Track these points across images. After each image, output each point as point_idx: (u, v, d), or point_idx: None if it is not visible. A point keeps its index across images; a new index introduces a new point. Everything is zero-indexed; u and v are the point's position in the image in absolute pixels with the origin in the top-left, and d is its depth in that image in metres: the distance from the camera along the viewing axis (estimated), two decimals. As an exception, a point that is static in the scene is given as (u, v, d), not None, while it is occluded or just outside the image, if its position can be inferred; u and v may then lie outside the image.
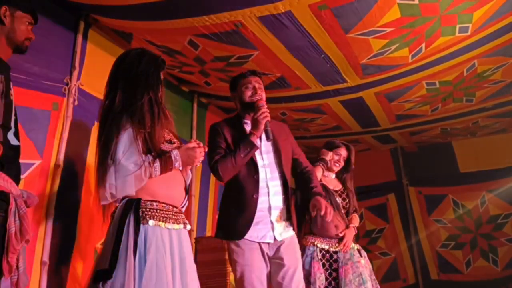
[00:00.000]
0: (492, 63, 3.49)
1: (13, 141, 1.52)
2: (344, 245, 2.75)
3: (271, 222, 2.14)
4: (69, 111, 2.69)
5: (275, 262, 2.14)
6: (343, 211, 2.88)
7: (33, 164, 2.43)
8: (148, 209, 1.54)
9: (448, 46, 3.12)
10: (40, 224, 2.44)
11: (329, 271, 2.70)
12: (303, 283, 2.15)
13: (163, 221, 1.54)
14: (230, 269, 3.16)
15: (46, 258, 2.42)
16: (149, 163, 1.52)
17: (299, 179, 2.39)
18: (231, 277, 3.33)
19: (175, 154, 1.61)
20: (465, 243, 5.58)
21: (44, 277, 2.40)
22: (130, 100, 1.59)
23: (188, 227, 1.67)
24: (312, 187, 2.29)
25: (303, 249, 2.77)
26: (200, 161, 1.71)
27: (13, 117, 1.54)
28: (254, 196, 2.12)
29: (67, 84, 2.71)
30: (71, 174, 2.69)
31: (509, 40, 3.16)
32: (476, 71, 3.59)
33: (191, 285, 1.54)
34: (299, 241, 2.80)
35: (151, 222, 1.51)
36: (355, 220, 2.92)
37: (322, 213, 2.12)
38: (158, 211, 1.55)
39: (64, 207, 2.59)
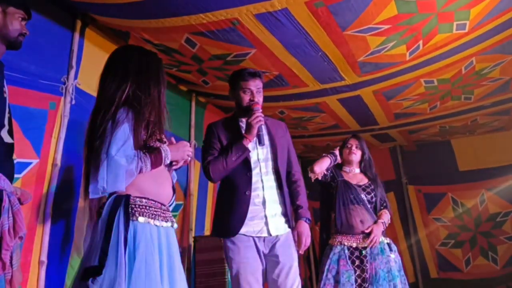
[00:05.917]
0: (490, 61, 3.48)
1: (7, 138, 1.52)
2: (371, 241, 2.70)
3: (266, 217, 2.15)
4: (66, 110, 2.69)
5: (270, 259, 2.15)
6: (369, 206, 2.84)
7: (30, 163, 2.44)
8: (137, 206, 1.53)
9: (446, 44, 3.11)
10: (38, 223, 2.44)
11: (361, 268, 2.67)
12: (299, 280, 2.15)
13: (152, 218, 1.54)
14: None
15: (44, 258, 2.43)
16: (140, 158, 1.52)
17: (288, 189, 2.34)
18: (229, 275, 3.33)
19: (164, 148, 1.62)
20: (465, 241, 5.58)
21: (42, 277, 2.41)
22: (142, 94, 1.61)
23: (175, 226, 1.67)
24: (298, 207, 2.28)
25: (330, 248, 2.79)
26: (189, 158, 1.74)
27: (6, 115, 1.54)
28: (246, 193, 2.14)
29: (64, 83, 2.71)
30: (68, 173, 2.69)
31: (507, 37, 3.14)
32: (474, 68, 3.58)
33: (179, 283, 1.54)
34: (327, 241, 2.84)
35: (140, 218, 1.50)
36: (384, 216, 2.86)
37: (301, 251, 2.19)
38: (148, 208, 1.55)
39: (62, 206, 2.59)
